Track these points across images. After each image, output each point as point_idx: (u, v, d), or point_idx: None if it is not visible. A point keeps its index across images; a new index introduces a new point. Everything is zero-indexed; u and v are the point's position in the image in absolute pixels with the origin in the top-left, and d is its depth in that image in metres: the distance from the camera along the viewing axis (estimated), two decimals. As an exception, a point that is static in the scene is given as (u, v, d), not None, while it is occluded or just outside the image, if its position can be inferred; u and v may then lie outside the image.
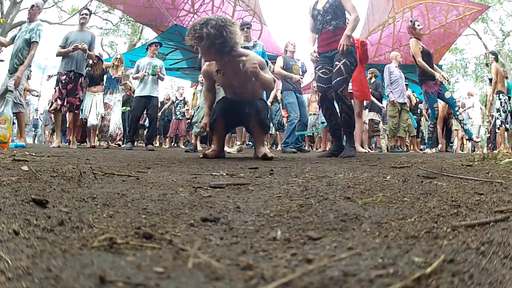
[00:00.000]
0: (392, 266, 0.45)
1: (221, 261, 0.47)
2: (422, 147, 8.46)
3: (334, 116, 3.25)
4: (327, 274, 0.42)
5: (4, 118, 3.02)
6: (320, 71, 3.23)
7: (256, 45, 4.97)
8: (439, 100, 5.15)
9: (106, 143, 5.99)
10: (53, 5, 17.34)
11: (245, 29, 4.86)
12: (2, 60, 4.90)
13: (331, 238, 0.59)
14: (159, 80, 5.68)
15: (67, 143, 6.49)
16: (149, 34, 18.02)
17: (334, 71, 3.07)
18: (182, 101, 9.52)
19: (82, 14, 5.14)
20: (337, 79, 3.03)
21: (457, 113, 5.19)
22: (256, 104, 2.76)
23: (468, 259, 0.47)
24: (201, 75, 7.73)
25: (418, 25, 5.07)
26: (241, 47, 4.93)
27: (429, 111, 6.89)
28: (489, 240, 0.54)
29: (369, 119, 7.16)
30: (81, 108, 5.28)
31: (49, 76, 6.76)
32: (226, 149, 5.22)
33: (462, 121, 5.25)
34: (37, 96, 8.58)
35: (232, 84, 2.75)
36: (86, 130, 6.07)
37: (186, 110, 9.39)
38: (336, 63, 3.07)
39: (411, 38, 5.04)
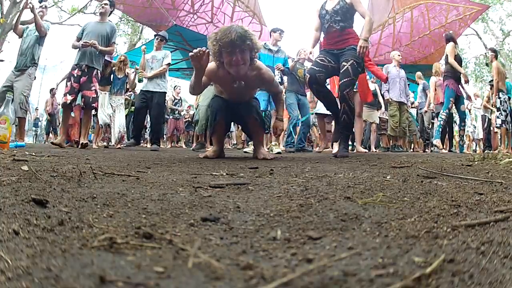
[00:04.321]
0: (392, 266, 0.45)
1: (221, 261, 0.47)
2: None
3: (327, 94, 3.25)
4: (327, 274, 0.42)
5: (4, 118, 3.02)
6: (319, 58, 3.19)
7: (279, 51, 5.32)
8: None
9: (105, 143, 5.97)
10: (53, 5, 17.33)
11: (280, 33, 5.33)
12: (2, 60, 4.89)
13: (331, 238, 0.59)
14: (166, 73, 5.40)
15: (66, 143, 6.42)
16: (149, 34, 18.03)
17: (341, 71, 3.05)
18: (179, 100, 9.55)
19: (102, 4, 4.69)
20: (344, 80, 3.01)
21: (462, 127, 5.78)
22: (253, 104, 2.78)
23: (468, 259, 0.47)
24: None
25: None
26: (266, 49, 5.06)
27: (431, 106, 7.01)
28: (489, 240, 0.54)
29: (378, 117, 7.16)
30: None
31: (57, 85, 6.58)
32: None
33: (462, 137, 5.75)
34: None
35: (239, 92, 2.71)
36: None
37: (186, 109, 9.43)
38: (344, 63, 3.04)
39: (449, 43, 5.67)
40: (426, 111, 7.57)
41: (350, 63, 3.00)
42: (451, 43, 5.68)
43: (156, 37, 5.60)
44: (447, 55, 5.67)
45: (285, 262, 0.48)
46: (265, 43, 5.21)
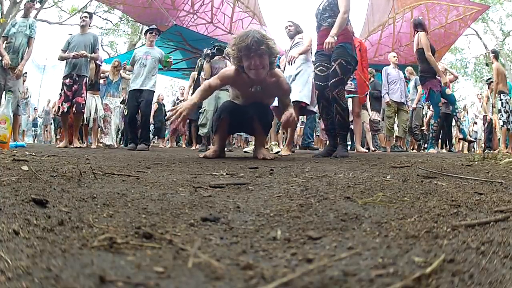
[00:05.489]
0: (392, 265, 0.45)
1: (221, 261, 0.47)
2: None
3: (331, 115, 3.21)
4: (327, 273, 0.42)
5: (4, 118, 3.02)
6: (317, 69, 3.20)
7: None
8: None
9: (105, 143, 6.06)
10: (53, 5, 17.35)
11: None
12: (1, 60, 4.93)
13: (331, 238, 0.59)
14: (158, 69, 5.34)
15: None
16: (149, 34, 18.00)
17: (330, 72, 3.05)
18: (183, 101, 9.50)
19: (82, 17, 5.22)
20: (333, 81, 3.01)
21: (456, 111, 5.23)
22: (261, 106, 2.78)
23: (468, 258, 0.47)
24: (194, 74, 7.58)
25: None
26: None
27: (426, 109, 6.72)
28: (489, 240, 0.54)
29: (369, 119, 7.12)
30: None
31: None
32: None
33: (459, 120, 5.31)
34: None
35: (256, 97, 2.72)
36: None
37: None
38: (332, 63, 3.04)
39: (420, 32, 4.84)
40: (414, 108, 7.34)
41: (338, 63, 2.99)
42: (423, 33, 4.74)
43: (151, 32, 5.38)
44: (421, 48, 4.66)
45: (285, 262, 0.48)
46: None
